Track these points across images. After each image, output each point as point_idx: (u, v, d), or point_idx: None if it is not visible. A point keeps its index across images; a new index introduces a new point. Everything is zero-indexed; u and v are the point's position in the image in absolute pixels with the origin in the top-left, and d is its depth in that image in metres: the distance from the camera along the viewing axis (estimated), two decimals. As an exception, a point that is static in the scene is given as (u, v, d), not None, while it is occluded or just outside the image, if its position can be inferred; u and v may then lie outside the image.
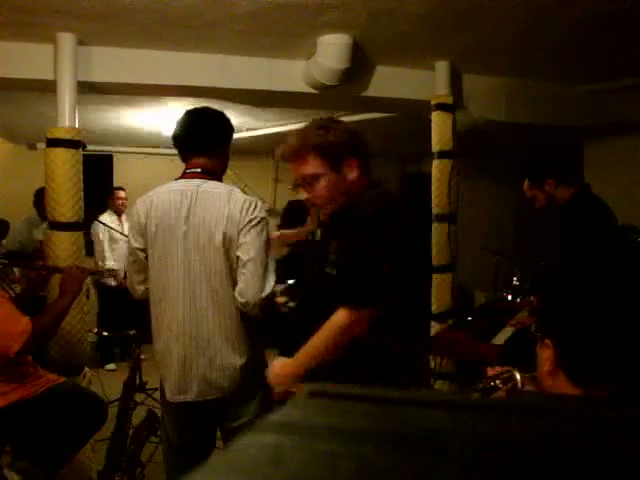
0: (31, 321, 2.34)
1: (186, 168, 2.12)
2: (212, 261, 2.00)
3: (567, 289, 0.96)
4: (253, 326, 2.10)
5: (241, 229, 2.00)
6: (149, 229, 2.05)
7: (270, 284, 2.04)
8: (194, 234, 2.01)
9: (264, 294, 2.01)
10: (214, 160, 2.12)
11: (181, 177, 2.11)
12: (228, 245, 2.00)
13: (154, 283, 2.09)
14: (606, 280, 0.92)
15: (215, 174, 2.12)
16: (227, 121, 2.18)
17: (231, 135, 2.21)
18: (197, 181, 2.06)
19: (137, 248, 2.10)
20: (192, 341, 2.02)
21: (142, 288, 2.16)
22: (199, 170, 2.08)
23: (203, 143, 2.11)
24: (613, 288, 0.91)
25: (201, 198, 2.03)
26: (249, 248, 2.00)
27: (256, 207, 2.04)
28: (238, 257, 2.00)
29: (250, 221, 2.01)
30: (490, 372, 1.46)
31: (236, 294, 2.01)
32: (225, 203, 2.01)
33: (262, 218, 2.04)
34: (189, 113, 2.17)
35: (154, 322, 2.12)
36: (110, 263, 5.67)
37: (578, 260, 1.02)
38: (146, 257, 2.10)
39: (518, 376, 1.36)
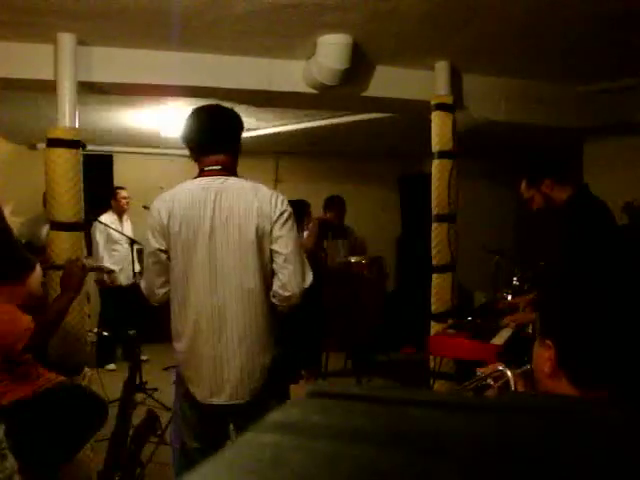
0: (34, 319, 2.34)
1: (204, 166, 2.07)
2: (243, 257, 1.98)
3: (570, 290, 0.96)
4: (278, 323, 2.09)
5: (274, 222, 1.99)
6: (172, 229, 2.00)
7: (310, 274, 2.05)
8: (222, 231, 1.98)
9: (306, 285, 2.02)
10: (230, 156, 2.10)
11: (201, 175, 2.07)
12: (261, 239, 1.98)
13: (178, 284, 2.03)
14: (609, 280, 0.92)
15: (234, 170, 2.11)
16: (239, 117, 2.16)
17: (242, 130, 2.19)
18: (220, 178, 2.04)
19: (159, 249, 2.03)
20: (222, 342, 1.99)
21: (162, 291, 2.09)
22: (219, 167, 2.06)
23: (222, 141, 2.09)
24: (616, 288, 0.91)
25: (227, 194, 2.00)
26: (287, 241, 2.00)
27: (283, 200, 2.05)
28: (274, 251, 2.00)
29: (282, 213, 2.01)
30: (480, 371, 1.46)
31: (277, 289, 2.01)
32: (253, 197, 2.00)
33: (291, 211, 2.05)
34: (203, 112, 2.13)
35: (176, 324, 2.07)
36: (105, 265, 5.66)
37: (580, 260, 1.02)
38: (168, 258, 2.04)
39: (509, 373, 1.36)
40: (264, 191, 2.04)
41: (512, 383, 1.34)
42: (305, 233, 4.94)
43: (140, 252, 5.51)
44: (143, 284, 2.14)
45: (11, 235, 2.03)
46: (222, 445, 2.09)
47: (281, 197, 2.05)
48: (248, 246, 1.98)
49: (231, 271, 1.98)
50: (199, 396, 2.03)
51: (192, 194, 2.02)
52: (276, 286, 2.01)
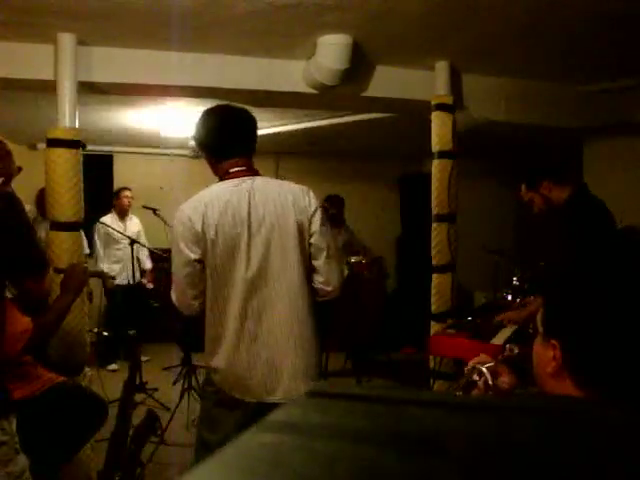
0: (33, 321, 2.34)
1: (228, 168, 2.04)
2: (285, 254, 1.97)
3: (577, 290, 0.95)
4: (317, 322, 2.09)
5: (311, 217, 2.00)
6: (208, 234, 1.94)
7: (344, 267, 2.09)
8: (262, 230, 1.96)
9: (344, 276, 2.06)
10: (250, 157, 2.09)
11: (228, 177, 2.03)
12: (300, 233, 1.98)
13: (216, 291, 1.98)
14: (618, 280, 0.91)
15: (256, 170, 2.09)
16: (253, 116, 2.13)
17: (257, 130, 2.18)
18: (248, 178, 2.02)
19: (195, 259, 1.97)
20: (271, 342, 1.97)
21: (197, 302, 2.03)
22: (245, 168, 2.04)
23: (243, 143, 2.07)
24: (624, 288, 0.90)
25: (260, 192, 1.98)
26: (325, 236, 2.03)
27: (313, 195, 2.06)
28: (316, 246, 2.01)
29: (317, 209, 2.03)
30: (470, 362, 1.45)
31: (320, 284, 2.02)
32: (286, 193, 2.00)
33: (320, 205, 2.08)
34: (218, 114, 2.10)
35: (215, 330, 2.01)
36: (102, 265, 5.66)
37: (585, 259, 1.01)
38: (203, 268, 1.98)
39: (484, 369, 1.36)
40: (293, 186, 2.05)
41: (489, 378, 1.34)
42: None
43: (153, 254, 5.51)
44: (175, 296, 2.07)
45: (35, 232, 2.05)
46: None
47: (311, 192, 2.06)
48: (289, 241, 1.97)
49: (274, 269, 1.96)
50: (249, 398, 1.99)
51: (224, 196, 1.97)
52: (318, 282, 2.02)
